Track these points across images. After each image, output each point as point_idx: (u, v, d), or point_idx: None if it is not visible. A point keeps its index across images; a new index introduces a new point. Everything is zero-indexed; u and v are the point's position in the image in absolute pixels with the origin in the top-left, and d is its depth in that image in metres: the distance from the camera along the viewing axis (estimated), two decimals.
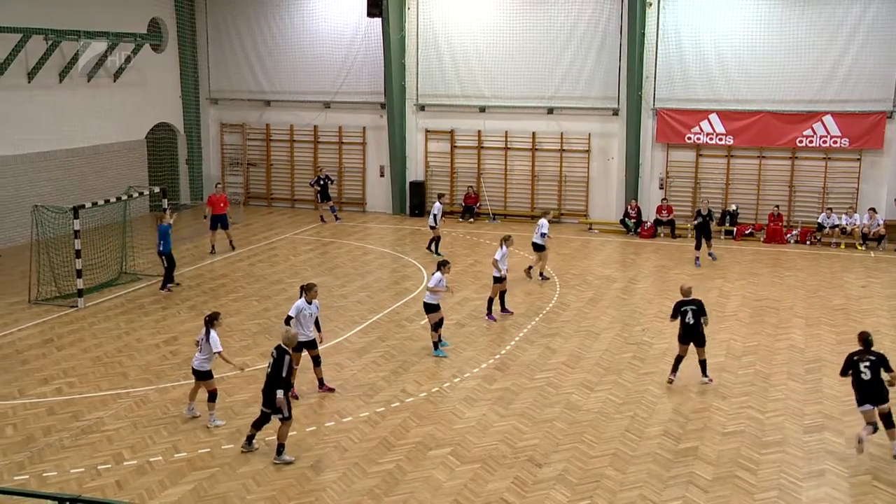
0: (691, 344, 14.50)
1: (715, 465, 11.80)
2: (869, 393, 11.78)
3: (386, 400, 14.02)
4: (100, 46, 26.36)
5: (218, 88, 31.81)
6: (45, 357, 15.83)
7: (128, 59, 27.65)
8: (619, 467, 11.77)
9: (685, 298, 14.59)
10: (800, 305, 19.52)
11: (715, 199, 27.41)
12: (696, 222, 23.37)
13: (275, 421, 11.90)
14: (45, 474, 11.41)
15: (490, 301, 18.43)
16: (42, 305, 18.83)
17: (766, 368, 15.51)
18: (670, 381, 14.64)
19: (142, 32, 28.43)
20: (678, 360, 14.69)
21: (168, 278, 20.22)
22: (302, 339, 13.65)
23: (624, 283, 21.59)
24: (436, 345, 16.13)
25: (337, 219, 28.76)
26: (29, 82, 24.80)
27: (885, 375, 11.85)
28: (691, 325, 14.37)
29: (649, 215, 27.48)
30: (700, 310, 14.41)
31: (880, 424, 11.81)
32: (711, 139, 27.10)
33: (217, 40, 31.45)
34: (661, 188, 27.87)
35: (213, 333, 12.90)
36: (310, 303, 13.80)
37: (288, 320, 13.74)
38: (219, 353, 12.88)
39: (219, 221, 24.11)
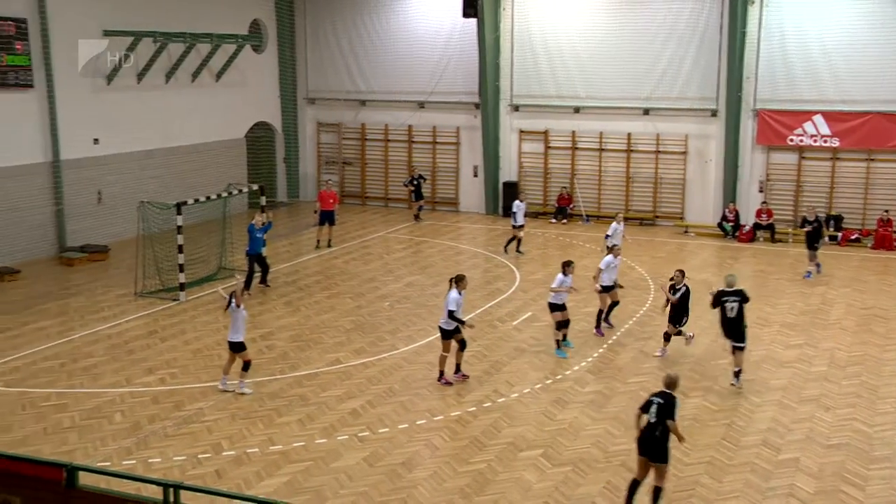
0: None
1: (818, 479, 11.39)
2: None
3: (478, 400, 14.02)
4: (204, 48, 27.20)
5: (315, 88, 32.40)
6: (149, 348, 16.41)
7: (230, 60, 28.42)
8: (715, 476, 11.48)
9: None
10: None
11: (818, 203, 26.50)
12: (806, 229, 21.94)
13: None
14: (150, 460, 11.82)
15: (599, 313, 17.41)
16: (147, 298, 19.52)
17: (874, 380, 14.89)
18: None
19: (243, 34, 29.19)
20: None
21: (248, 281, 19.67)
22: (450, 327, 14.29)
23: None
24: (558, 343, 16.16)
25: (418, 218, 28.83)
26: (138, 83, 25.75)
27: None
28: None
29: (748, 219, 26.73)
30: None
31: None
32: (815, 141, 26.18)
33: (315, 41, 32.04)
34: (760, 191, 27.09)
35: (238, 306, 13.88)
36: (460, 293, 14.24)
37: (451, 314, 14.17)
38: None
39: (326, 218, 24.53)
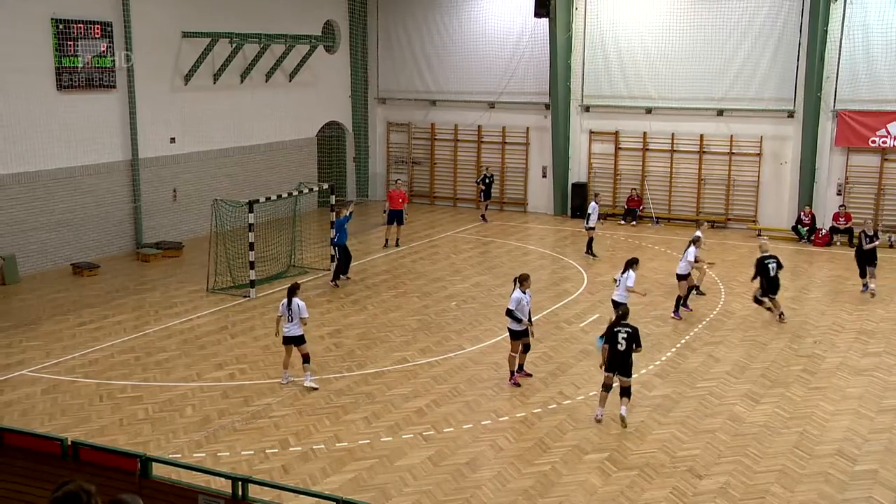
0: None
1: None
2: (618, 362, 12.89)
3: (543, 401, 13.96)
4: (277, 48, 27.67)
5: (386, 88, 32.65)
6: (219, 343, 16.75)
7: (303, 61, 28.83)
8: (787, 485, 11.21)
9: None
10: None
11: None
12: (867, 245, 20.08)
13: None
14: (219, 454, 12.06)
15: (678, 299, 18.56)
16: (218, 294, 19.92)
17: None
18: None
19: (316, 34, 29.58)
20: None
21: (339, 271, 20.86)
22: (519, 328, 14.37)
23: (795, 292, 20.55)
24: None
25: (485, 219, 28.82)
26: (214, 83, 26.32)
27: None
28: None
29: (824, 222, 26.02)
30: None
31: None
32: None
33: (386, 41, 32.28)
34: (838, 194, 26.34)
35: (297, 301, 14.14)
36: (524, 292, 14.31)
37: (509, 313, 14.32)
38: (303, 318, 14.16)
39: (395, 217, 24.76)
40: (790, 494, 10.99)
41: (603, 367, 13.11)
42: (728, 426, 12.99)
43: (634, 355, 12.98)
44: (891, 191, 25.86)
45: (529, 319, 14.56)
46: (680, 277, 18.56)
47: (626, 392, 12.96)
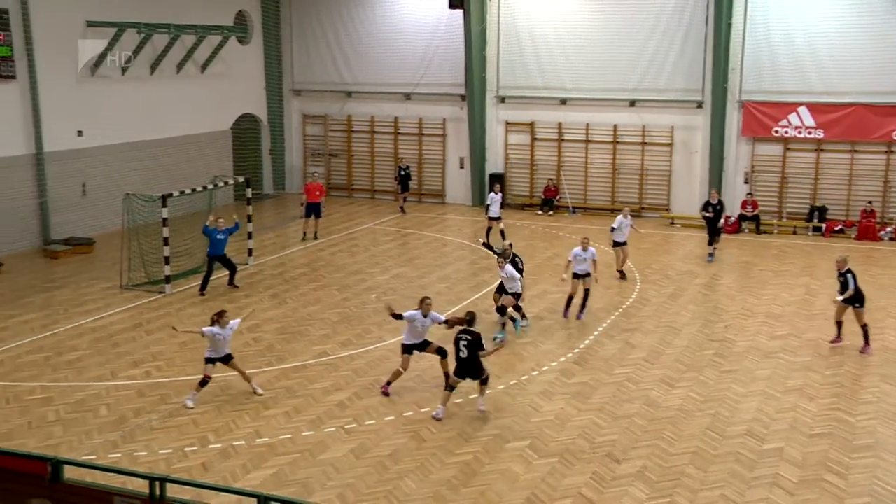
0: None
1: (801, 468, 11.48)
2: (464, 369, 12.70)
3: (464, 391, 14.00)
4: (188, 39, 27.04)
5: (301, 80, 32.28)
6: (135, 341, 16.34)
7: (215, 52, 28.26)
8: (701, 466, 11.56)
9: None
10: (893, 305, 18.82)
11: (803, 194, 26.68)
12: (705, 214, 22.84)
13: None
14: (135, 454, 11.79)
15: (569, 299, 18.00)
16: (132, 291, 19.42)
17: (857, 370, 15.01)
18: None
19: (229, 25, 29.03)
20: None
21: (207, 281, 19.30)
22: (408, 342, 13.75)
23: (706, 278, 21.16)
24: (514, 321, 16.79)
25: (403, 210, 28.81)
26: (123, 75, 25.57)
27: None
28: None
29: (733, 210, 26.83)
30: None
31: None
32: (800, 133, 26.30)
33: (301, 32, 31.91)
34: (745, 183, 27.19)
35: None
36: (425, 316, 13.58)
37: (397, 317, 13.85)
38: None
39: (313, 210, 24.48)
40: (704, 474, 11.33)
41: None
42: (645, 411, 13.29)
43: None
44: (793, 179, 26.82)
45: (444, 352, 13.77)
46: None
47: (483, 381, 12.91)
